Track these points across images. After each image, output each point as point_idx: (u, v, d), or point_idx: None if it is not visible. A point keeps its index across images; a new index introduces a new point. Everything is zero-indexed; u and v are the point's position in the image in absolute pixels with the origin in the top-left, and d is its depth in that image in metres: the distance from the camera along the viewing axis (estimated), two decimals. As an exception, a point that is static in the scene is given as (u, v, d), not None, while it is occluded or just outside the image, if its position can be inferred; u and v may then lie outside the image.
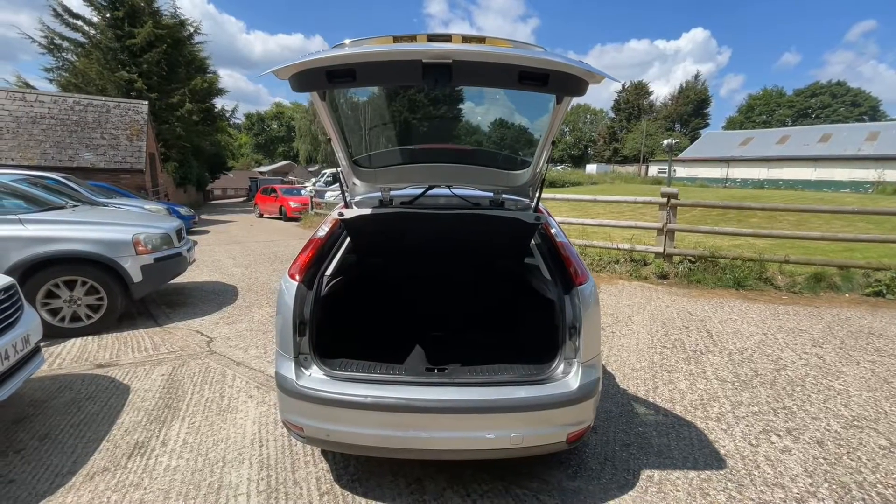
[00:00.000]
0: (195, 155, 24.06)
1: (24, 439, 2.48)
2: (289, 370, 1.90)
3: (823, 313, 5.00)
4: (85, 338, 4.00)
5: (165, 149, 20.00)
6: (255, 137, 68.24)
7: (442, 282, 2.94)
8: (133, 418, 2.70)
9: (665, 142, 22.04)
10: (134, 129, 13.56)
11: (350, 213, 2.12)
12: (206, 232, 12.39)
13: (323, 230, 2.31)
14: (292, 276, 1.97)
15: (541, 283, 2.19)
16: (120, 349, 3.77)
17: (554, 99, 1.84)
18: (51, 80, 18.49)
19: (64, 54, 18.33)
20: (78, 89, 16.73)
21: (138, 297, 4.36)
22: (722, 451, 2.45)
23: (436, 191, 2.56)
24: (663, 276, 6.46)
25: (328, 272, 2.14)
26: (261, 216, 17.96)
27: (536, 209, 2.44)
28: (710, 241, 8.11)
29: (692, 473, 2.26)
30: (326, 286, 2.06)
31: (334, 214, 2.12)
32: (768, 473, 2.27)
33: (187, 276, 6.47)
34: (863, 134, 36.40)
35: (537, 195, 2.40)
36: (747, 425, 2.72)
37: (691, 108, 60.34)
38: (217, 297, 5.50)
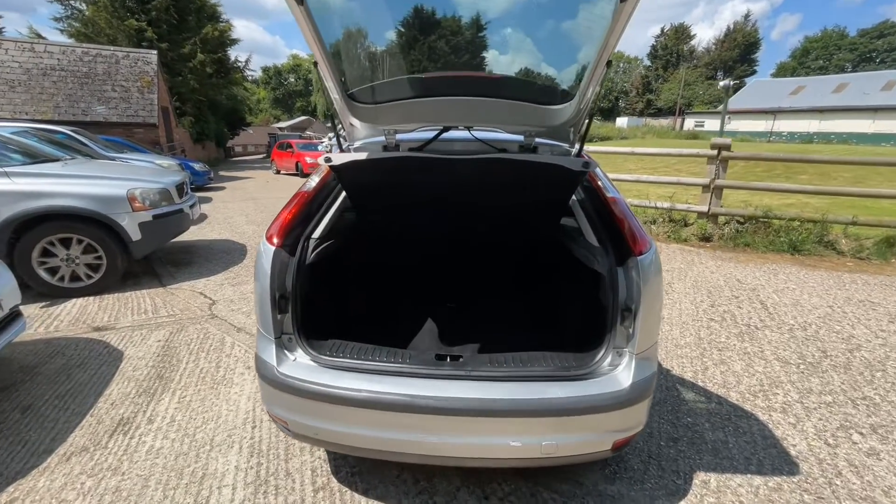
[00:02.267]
0: (211, 109, 23.61)
1: (6, 410, 2.29)
2: (269, 354, 1.55)
3: (898, 283, 4.35)
4: (86, 298, 3.83)
5: (180, 103, 19.59)
6: (273, 92, 66.78)
7: (458, 247, 2.50)
8: (122, 389, 2.48)
9: (721, 83, 19.94)
10: (144, 81, 13.14)
11: (340, 159, 1.67)
12: (222, 188, 12.18)
13: (312, 182, 1.88)
14: (270, 239, 1.58)
15: (584, 250, 1.72)
16: (119, 311, 3.57)
17: None
18: (61, 31, 18.02)
19: (72, 2, 17.68)
20: (89, 39, 16.24)
21: (139, 256, 4.13)
22: (792, 452, 2.05)
23: (452, 134, 2.07)
24: (705, 239, 5.83)
25: (316, 234, 1.72)
26: (278, 172, 17.66)
27: (580, 156, 1.92)
28: (756, 200, 7.32)
29: (757, 480, 1.87)
30: (314, 251, 1.66)
31: (321, 161, 1.67)
32: (854, 483, 1.87)
33: (196, 234, 6.27)
34: (934, 80, 32.44)
35: (581, 138, 1.88)
36: (821, 419, 2.29)
37: (737, 54, 54.96)
38: (225, 256, 5.26)
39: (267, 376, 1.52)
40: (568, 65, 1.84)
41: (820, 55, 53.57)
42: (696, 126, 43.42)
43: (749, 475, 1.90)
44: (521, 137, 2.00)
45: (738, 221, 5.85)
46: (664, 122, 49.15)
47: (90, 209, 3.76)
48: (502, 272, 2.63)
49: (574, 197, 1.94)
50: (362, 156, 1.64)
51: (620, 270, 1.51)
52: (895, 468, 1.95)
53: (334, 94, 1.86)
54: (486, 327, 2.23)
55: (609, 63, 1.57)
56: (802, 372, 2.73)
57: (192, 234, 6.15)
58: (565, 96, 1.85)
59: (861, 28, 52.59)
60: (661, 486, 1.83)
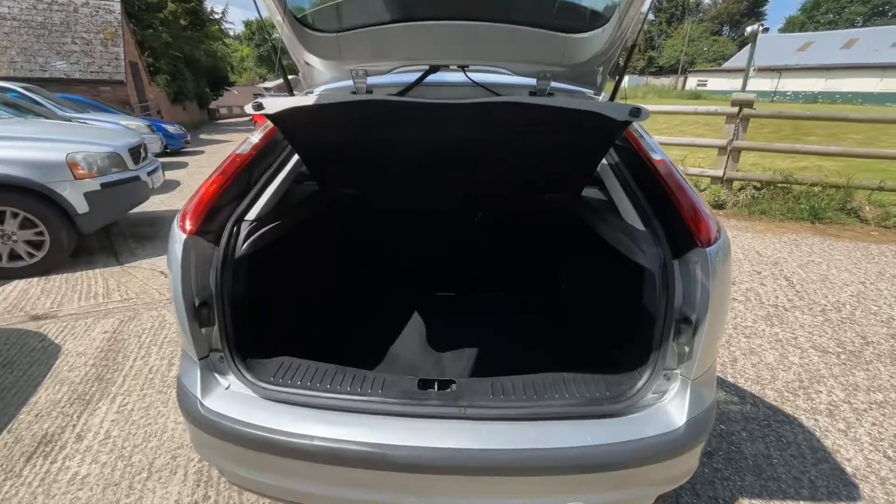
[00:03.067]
0: (189, 67, 22.07)
1: None
2: (191, 380, 1.14)
3: (930, 255, 4.00)
4: (29, 279, 3.37)
5: (153, 59, 18.20)
6: (257, 49, 62.95)
7: (449, 228, 2.05)
8: (51, 396, 2.09)
9: (749, 28, 18.51)
10: (108, 33, 11.98)
11: (278, 104, 1.17)
12: (200, 153, 11.41)
13: (251, 141, 1.39)
14: (182, 224, 1.12)
15: (620, 233, 1.27)
16: (66, 295, 3.13)
17: None
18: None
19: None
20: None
21: (89, 230, 3.63)
22: (848, 470, 1.72)
23: (442, 76, 1.57)
24: (718, 206, 5.40)
25: (254, 213, 1.26)
26: (262, 135, 16.69)
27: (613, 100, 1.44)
28: (767, 164, 6.83)
29: (812, 508, 1.55)
30: (249, 238, 1.20)
31: (249, 108, 1.17)
32: (928, 511, 1.55)
33: (167, 204, 5.73)
34: (946, 36, 31.11)
35: (617, 82, 1.40)
36: (874, 424, 1.96)
37: (745, 6, 52.33)
38: (194, 228, 4.75)
39: (189, 413, 1.11)
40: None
41: (830, 8, 51.10)
42: (698, 85, 41.90)
43: (801, 502, 1.58)
44: (532, 81, 1.51)
45: (754, 187, 5.40)
46: (665, 80, 47.30)
47: (22, 177, 3.22)
48: (507, 261, 2.18)
49: (604, 160, 1.47)
50: (309, 100, 1.13)
51: (677, 264, 1.08)
52: (973, 489, 1.64)
53: (278, 17, 1.34)
54: (486, 334, 1.81)
55: None
56: (844, 363, 2.39)
57: (160, 204, 5.62)
58: (596, 20, 1.34)
59: (875, -22, 49.88)
60: (698, 520, 1.50)
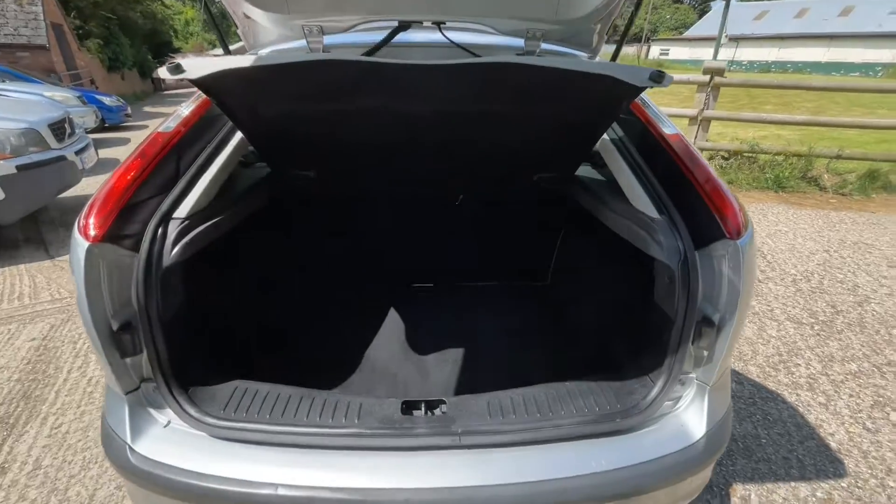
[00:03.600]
0: (125, 31, 19.92)
1: None
2: (118, 419, 0.92)
3: (884, 221, 4.18)
4: (-62, 280, 2.91)
5: (81, 21, 16.21)
6: (203, 12, 57.76)
7: (428, 213, 1.84)
8: (-34, 422, 1.78)
9: None
10: (20, -11, 10.46)
11: (203, 67, 0.88)
12: (144, 127, 10.37)
13: (179, 115, 1.12)
14: (84, 229, 0.86)
15: (629, 221, 1.11)
16: (-17, 297, 2.72)
17: None
18: None
19: None
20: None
21: (9, 220, 3.16)
22: (833, 444, 1.73)
23: (412, 34, 1.33)
24: (688, 177, 5.42)
25: (184, 209, 1.00)
26: (213, 107, 15.46)
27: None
28: (731, 133, 6.98)
29: (803, 490, 1.54)
30: (180, 240, 0.96)
31: (162, 72, 0.89)
32: (908, 482, 1.58)
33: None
34: (887, 6, 32.60)
35: (619, 43, 1.21)
36: (852, 395, 1.99)
37: (706, -26, 52.60)
38: (138, 213, 4.29)
39: (117, 461, 0.89)
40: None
41: (785, -23, 52.14)
42: (661, 55, 42.33)
43: (792, 483, 1.57)
44: (519, 41, 1.30)
45: (722, 157, 5.46)
46: (629, 50, 47.34)
47: (-88, 161, 2.71)
48: (490, 249, 2.01)
49: (606, 135, 1.30)
50: (245, 61, 0.87)
51: (699, 257, 0.94)
52: (946, 456, 1.68)
53: None
54: (470, 333, 1.65)
55: None
56: (818, 334, 2.43)
57: (96, 186, 5.02)
58: None
59: (827, -53, 51.01)
60: (695, 510, 1.46)
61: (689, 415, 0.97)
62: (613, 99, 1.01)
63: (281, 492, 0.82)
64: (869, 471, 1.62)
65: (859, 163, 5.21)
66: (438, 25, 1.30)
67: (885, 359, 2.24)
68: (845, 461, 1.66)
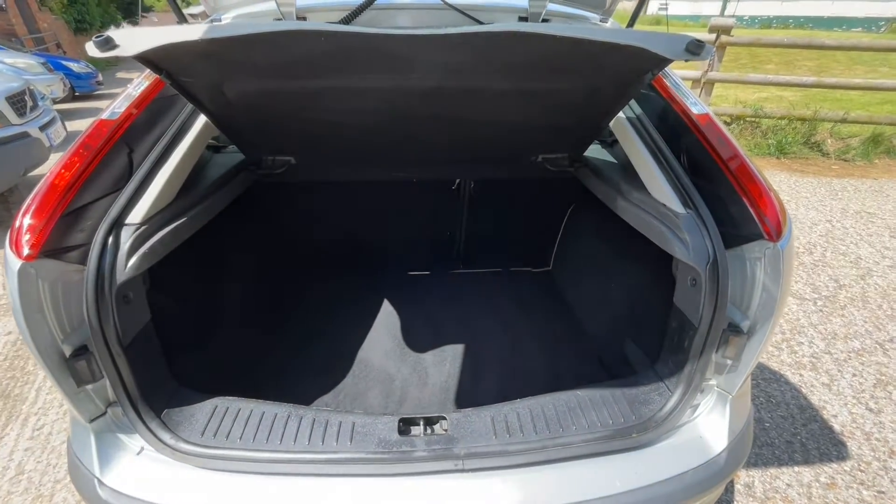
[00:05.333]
0: (89, -13, 18.47)
1: None
2: (83, 449, 0.83)
3: (886, 188, 4.10)
4: None
5: (39, -23, 14.97)
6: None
7: (423, 198, 1.70)
8: (-60, 426, 1.70)
9: None
10: (-34, -60, 9.50)
11: (144, 40, 0.69)
12: (115, 95, 9.81)
13: (128, 97, 0.96)
14: (16, 246, 0.73)
15: (648, 214, 0.99)
16: (-47, 288, 2.57)
17: None
18: None
19: None
20: None
21: (-28, 204, 2.95)
22: (836, 427, 1.71)
23: None
24: (689, 143, 5.26)
25: (139, 213, 0.86)
26: (191, 73, 14.64)
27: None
28: (732, 95, 6.77)
29: (806, 475, 1.53)
30: (134, 251, 0.82)
31: (90, 47, 0.72)
32: (910, 464, 1.57)
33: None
34: (898, -45, 31.21)
35: (638, 5, 1.05)
36: (855, 375, 1.97)
37: (709, -81, 49.63)
38: (115, 192, 4.07)
39: (85, 494, 0.81)
40: None
41: (792, -77, 49.45)
42: (659, 10, 40.58)
43: (796, 468, 1.55)
44: (524, 2, 1.12)
45: (724, 122, 5.27)
46: (627, 4, 45.17)
47: None
48: (489, 235, 1.87)
49: (622, 113, 1.15)
50: (198, 31, 0.68)
51: (731, 259, 0.84)
52: (948, 436, 1.67)
53: None
54: (468, 324, 1.56)
55: None
56: (821, 310, 2.39)
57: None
58: None
59: None
60: (699, 500, 1.44)
61: (708, 425, 0.90)
62: (637, 72, 0.86)
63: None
64: (872, 453, 1.61)
65: (863, 127, 5.07)
66: (429, -16, 1.12)
67: (888, 335, 2.21)
68: (848, 444, 1.65)
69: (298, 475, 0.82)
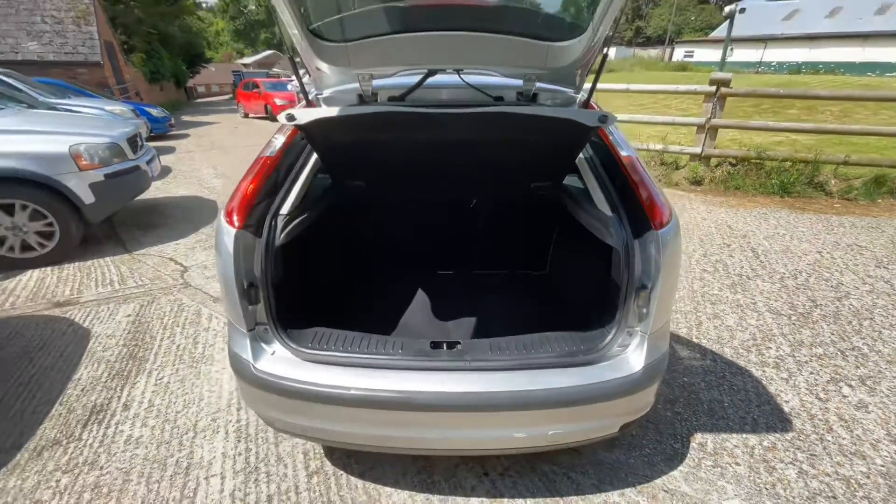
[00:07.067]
0: (164, 44, 21.32)
1: (-36, 402, 2.11)
2: (243, 348, 1.38)
3: (884, 225, 4.37)
4: (44, 269, 3.52)
5: (126, 37, 17.54)
6: (233, 22, 60.38)
7: (449, 213, 2.29)
8: (92, 373, 2.31)
9: (727, 8, 18.98)
10: (79, 10, 11.52)
11: (306, 116, 1.38)
12: (186, 136, 11.26)
13: (276, 144, 1.59)
14: (230, 219, 1.33)
15: (594, 219, 1.53)
16: (82, 283, 3.30)
17: None
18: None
19: None
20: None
21: (96, 220, 3.77)
22: (786, 409, 2.06)
23: (439, 78, 1.77)
24: (696, 182, 5.70)
25: (286, 208, 1.47)
26: (246, 116, 16.41)
27: (588, 104, 1.67)
28: (746, 140, 7.16)
29: (752, 440, 1.89)
30: (284, 230, 1.42)
31: (282, 118, 1.37)
32: (844, 439, 1.90)
33: (161, 191, 5.81)
34: (930, 2, 31.29)
35: (591, 84, 1.61)
36: (812, 373, 2.31)
37: (733, -27, 51.57)
38: (194, 215, 4.90)
39: (243, 374, 1.36)
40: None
41: (817, -25, 50.55)
42: (685, 57, 41.68)
43: (744, 435, 1.91)
44: (519, 82, 1.72)
45: (730, 163, 5.70)
46: (653, 52, 46.87)
47: (29, 170, 3.33)
48: (499, 241, 2.46)
49: (581, 154, 1.71)
50: (332, 111, 1.34)
51: (637, 244, 1.35)
52: (884, 421, 1.99)
53: (294, 30, 1.51)
54: (483, 303, 2.09)
55: None
56: (794, 324, 2.73)
57: (156, 191, 5.69)
58: (574, 31, 1.55)
59: (863, -57, 49.23)
60: (660, 452, 1.83)
61: (633, 355, 1.36)
62: (579, 133, 1.42)
63: (352, 392, 1.26)
64: (812, 429, 1.95)
65: (871, 168, 5.36)
66: (458, 72, 1.74)
67: (851, 345, 2.53)
68: (794, 421, 1.99)
69: (367, 367, 1.33)
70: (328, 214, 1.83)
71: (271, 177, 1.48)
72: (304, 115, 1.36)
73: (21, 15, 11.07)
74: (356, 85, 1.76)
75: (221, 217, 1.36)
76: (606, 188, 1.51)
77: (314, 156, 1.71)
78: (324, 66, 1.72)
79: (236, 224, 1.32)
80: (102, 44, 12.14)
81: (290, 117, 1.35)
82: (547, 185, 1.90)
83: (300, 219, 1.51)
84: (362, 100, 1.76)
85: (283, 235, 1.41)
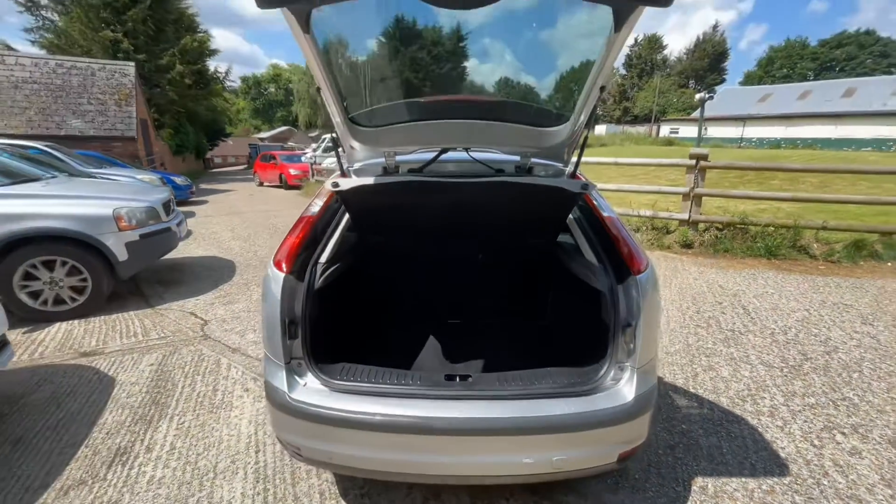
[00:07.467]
0: (191, 121, 23.26)
1: (-5, 444, 2.21)
2: (279, 380, 1.56)
3: (867, 285, 4.60)
4: (71, 322, 3.72)
5: (158, 115, 19.24)
6: (253, 102, 66.16)
7: (459, 265, 2.56)
8: (116, 418, 2.42)
9: (697, 96, 21.65)
10: (122, 94, 12.87)
11: (347, 184, 1.71)
12: (204, 202, 11.97)
13: (316, 206, 1.90)
14: (279, 266, 1.59)
15: (583, 268, 1.79)
16: (107, 334, 3.48)
17: (612, 22, 1.36)
18: (32, 42, 17.55)
19: (43, 12, 17.25)
20: (62, 51, 15.84)
21: (125, 276, 4.04)
22: (782, 455, 2.15)
23: (450, 155, 2.13)
24: (687, 246, 6.03)
25: (323, 258, 1.75)
26: (261, 184, 17.46)
27: (575, 175, 2.01)
28: (732, 207, 7.65)
29: (751, 483, 1.96)
30: (321, 276, 1.68)
31: (328, 186, 1.70)
32: (840, 483, 1.97)
33: (182, 251, 6.15)
34: (890, 87, 34.33)
35: (576, 159, 1.97)
36: (806, 421, 2.40)
37: (708, 63, 57.18)
38: (213, 273, 5.18)
39: (278, 402, 1.53)
40: (563, 89, 1.93)
41: (784, 64, 56.10)
42: (671, 133, 44.78)
43: (743, 478, 1.99)
44: (517, 158, 2.08)
45: (717, 228, 6.08)
46: (640, 129, 50.52)
47: (76, 230, 3.67)
48: (503, 290, 2.70)
49: (571, 216, 2.02)
50: (369, 181, 1.68)
51: (620, 288, 1.58)
52: (877, 466, 2.07)
53: (336, 119, 1.90)
54: (490, 345, 2.28)
55: (603, 88, 1.66)
56: (786, 375, 2.86)
57: (177, 251, 6.02)
58: (560, 119, 1.93)
59: (821, 38, 55.40)
60: (662, 494, 1.90)
61: (625, 387, 1.53)
62: (566, 199, 1.74)
63: (377, 418, 1.43)
64: (809, 473, 2.03)
65: (848, 233, 5.72)
66: (466, 149, 2.11)
67: (842, 395, 2.64)
68: (791, 466, 2.07)
69: (390, 396, 1.50)
70: (356, 264, 2.11)
71: (311, 232, 1.77)
72: (346, 184, 1.69)
73: (70, 97, 12.38)
74: (381, 159, 2.12)
75: (271, 264, 1.62)
76: (593, 242, 1.79)
77: (346, 216, 2.03)
78: (357, 145, 2.10)
79: (284, 270, 1.58)
80: (138, 121, 13.37)
81: (335, 185, 1.67)
82: (542, 242, 2.20)
83: (334, 267, 1.78)
84: (386, 171, 2.11)
85: (321, 280, 1.66)
